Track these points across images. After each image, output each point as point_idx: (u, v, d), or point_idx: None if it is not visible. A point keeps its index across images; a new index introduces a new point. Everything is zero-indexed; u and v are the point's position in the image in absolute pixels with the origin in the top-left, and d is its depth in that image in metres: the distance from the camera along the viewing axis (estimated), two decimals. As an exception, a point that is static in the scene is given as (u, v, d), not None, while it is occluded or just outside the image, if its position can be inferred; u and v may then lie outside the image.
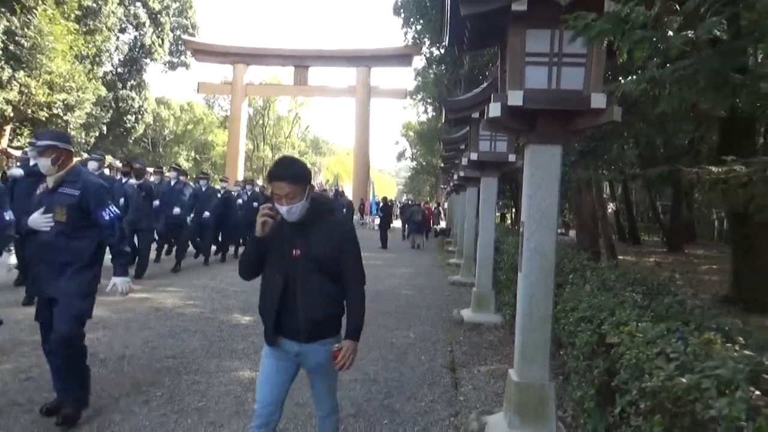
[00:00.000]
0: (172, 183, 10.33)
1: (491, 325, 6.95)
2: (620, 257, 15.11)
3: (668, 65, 2.39)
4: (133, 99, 35.16)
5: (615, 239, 24.06)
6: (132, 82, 35.74)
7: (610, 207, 30.24)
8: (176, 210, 9.86)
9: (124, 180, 9.26)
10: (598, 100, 3.40)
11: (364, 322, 2.55)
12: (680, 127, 8.09)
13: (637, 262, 14.66)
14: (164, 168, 12.64)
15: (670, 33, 2.30)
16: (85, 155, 28.30)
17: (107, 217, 3.52)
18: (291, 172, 2.41)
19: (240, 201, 12.53)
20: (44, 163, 3.46)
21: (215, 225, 11.34)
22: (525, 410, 3.58)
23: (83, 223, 3.50)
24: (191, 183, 12.20)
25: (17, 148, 22.77)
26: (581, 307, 2.75)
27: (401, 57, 33.39)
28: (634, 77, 2.95)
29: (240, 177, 34.74)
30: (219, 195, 11.47)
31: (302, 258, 2.44)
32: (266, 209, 2.41)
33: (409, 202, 25.78)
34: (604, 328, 2.37)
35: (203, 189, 11.04)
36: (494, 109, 3.55)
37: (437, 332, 6.55)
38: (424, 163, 46.09)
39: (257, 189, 13.78)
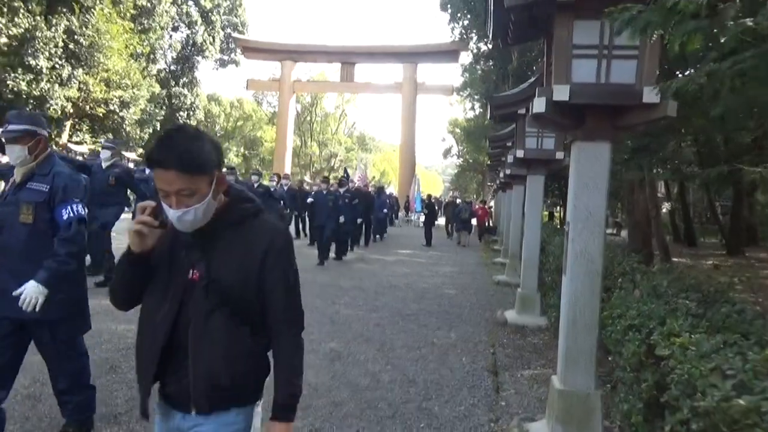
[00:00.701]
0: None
1: (536, 328, 6.75)
2: (675, 259, 14.49)
3: (727, 59, 2.18)
4: (185, 96, 36.13)
5: (669, 240, 23.12)
6: (184, 79, 36.74)
7: (665, 207, 29.13)
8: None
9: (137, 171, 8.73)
10: (650, 95, 3.21)
11: (300, 392, 1.69)
12: (743, 123, 7.62)
13: (694, 264, 14.02)
14: None
15: (728, 22, 2.09)
16: (141, 150, 29.42)
17: (65, 216, 2.90)
18: (181, 155, 1.48)
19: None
20: (19, 153, 2.87)
21: None
22: (569, 419, 3.43)
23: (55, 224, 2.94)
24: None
25: (77, 143, 23.81)
26: (629, 315, 2.58)
27: (448, 53, 33.07)
28: (689, 73, 2.73)
29: (288, 172, 35.34)
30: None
31: (202, 284, 1.58)
32: (148, 210, 1.56)
33: (454, 200, 24.71)
34: (653, 339, 2.20)
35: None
36: (539, 105, 3.41)
37: (479, 333, 6.41)
38: (470, 161, 45.64)
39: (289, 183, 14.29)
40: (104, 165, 7.28)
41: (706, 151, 13.05)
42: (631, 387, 2.42)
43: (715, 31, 2.01)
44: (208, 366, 1.57)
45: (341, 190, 12.16)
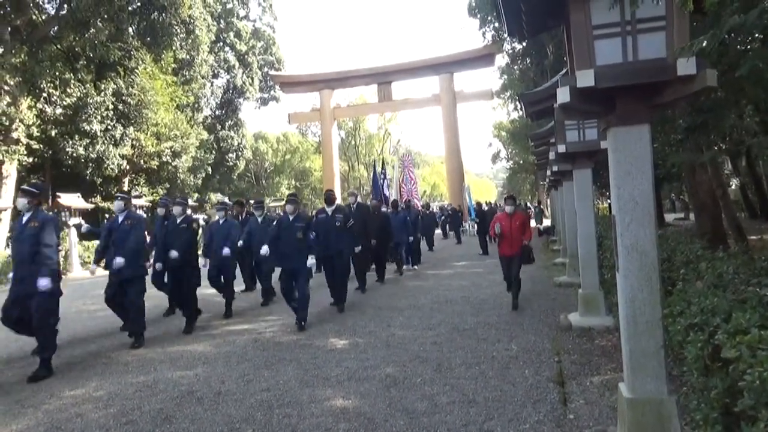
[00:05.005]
0: (178, 221, 7.83)
1: (602, 329, 6.35)
2: (753, 237, 13.51)
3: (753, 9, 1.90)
4: (232, 138, 37.34)
5: (744, 217, 21.68)
6: (229, 122, 38.03)
7: (734, 182, 27.45)
8: (174, 253, 7.49)
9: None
10: (685, 66, 2.93)
11: None
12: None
13: (773, 240, 13.01)
14: (169, 201, 9.23)
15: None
16: (196, 195, 30.41)
17: None
18: None
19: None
20: None
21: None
22: (642, 430, 3.11)
23: None
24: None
25: (136, 196, 24.89)
26: (689, 312, 2.28)
27: (483, 58, 32.76)
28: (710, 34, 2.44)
29: (339, 199, 35.56)
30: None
31: None
32: None
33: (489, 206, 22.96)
34: (718, 338, 1.91)
35: (221, 222, 8.98)
36: (563, 95, 3.18)
37: (542, 341, 6.08)
38: (520, 162, 44.79)
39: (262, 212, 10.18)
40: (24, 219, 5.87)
41: (770, 117, 12.13)
42: (701, 393, 2.12)
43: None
44: None
45: (329, 210, 8.72)
